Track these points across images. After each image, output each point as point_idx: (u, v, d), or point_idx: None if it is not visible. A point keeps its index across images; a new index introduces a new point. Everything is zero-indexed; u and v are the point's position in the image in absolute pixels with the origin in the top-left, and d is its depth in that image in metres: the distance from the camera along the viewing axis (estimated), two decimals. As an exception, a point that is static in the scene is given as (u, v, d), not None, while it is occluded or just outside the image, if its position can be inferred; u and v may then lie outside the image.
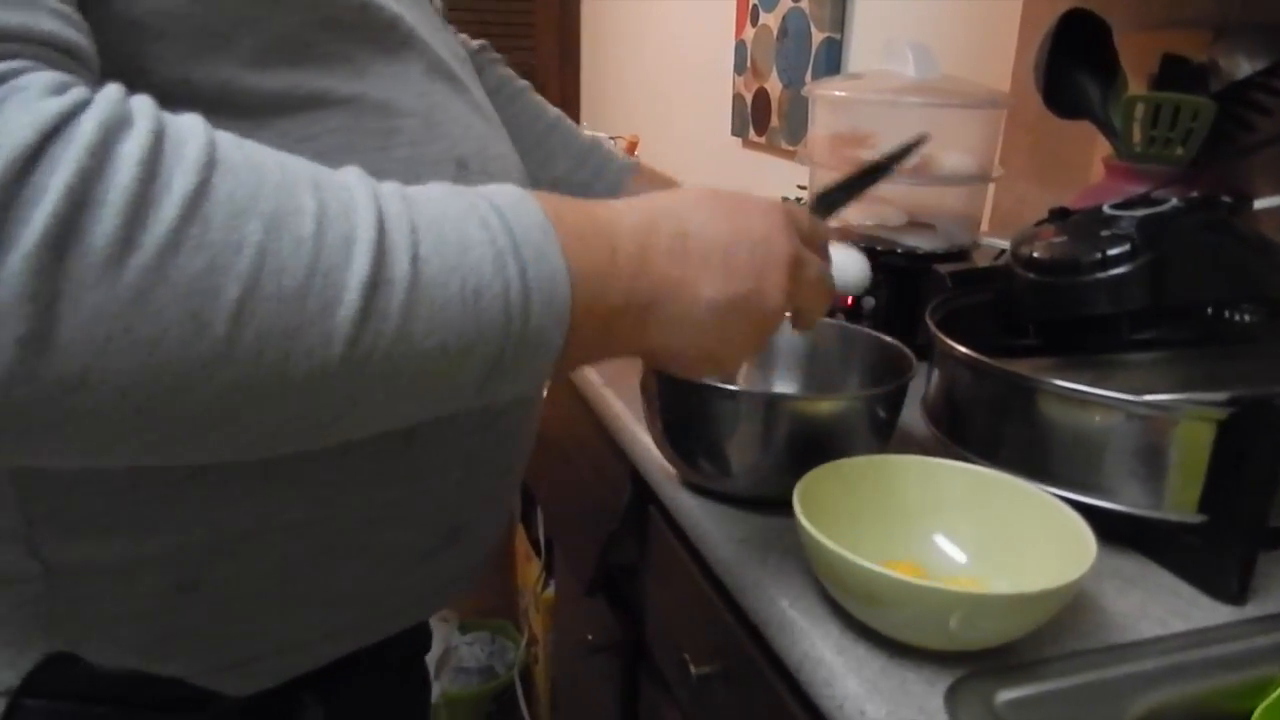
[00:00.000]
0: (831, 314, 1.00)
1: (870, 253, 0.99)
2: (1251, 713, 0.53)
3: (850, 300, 0.98)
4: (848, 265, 0.91)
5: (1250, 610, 0.60)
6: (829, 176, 1.07)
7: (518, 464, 0.62)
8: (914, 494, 0.63)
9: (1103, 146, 0.91)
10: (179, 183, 0.31)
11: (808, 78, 1.69)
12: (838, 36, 1.60)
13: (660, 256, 0.44)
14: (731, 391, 0.67)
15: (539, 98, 0.83)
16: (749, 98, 1.92)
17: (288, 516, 0.49)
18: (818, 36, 1.64)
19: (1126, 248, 0.66)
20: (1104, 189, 0.85)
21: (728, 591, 0.66)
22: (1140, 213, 0.68)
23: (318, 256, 0.33)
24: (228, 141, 0.34)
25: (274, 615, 0.51)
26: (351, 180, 0.37)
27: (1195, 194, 0.73)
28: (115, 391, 0.31)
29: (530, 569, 1.81)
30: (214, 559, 0.48)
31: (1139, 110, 0.82)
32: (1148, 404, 0.61)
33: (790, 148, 1.78)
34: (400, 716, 0.68)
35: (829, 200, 0.60)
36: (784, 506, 0.58)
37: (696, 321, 0.45)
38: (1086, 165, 1.07)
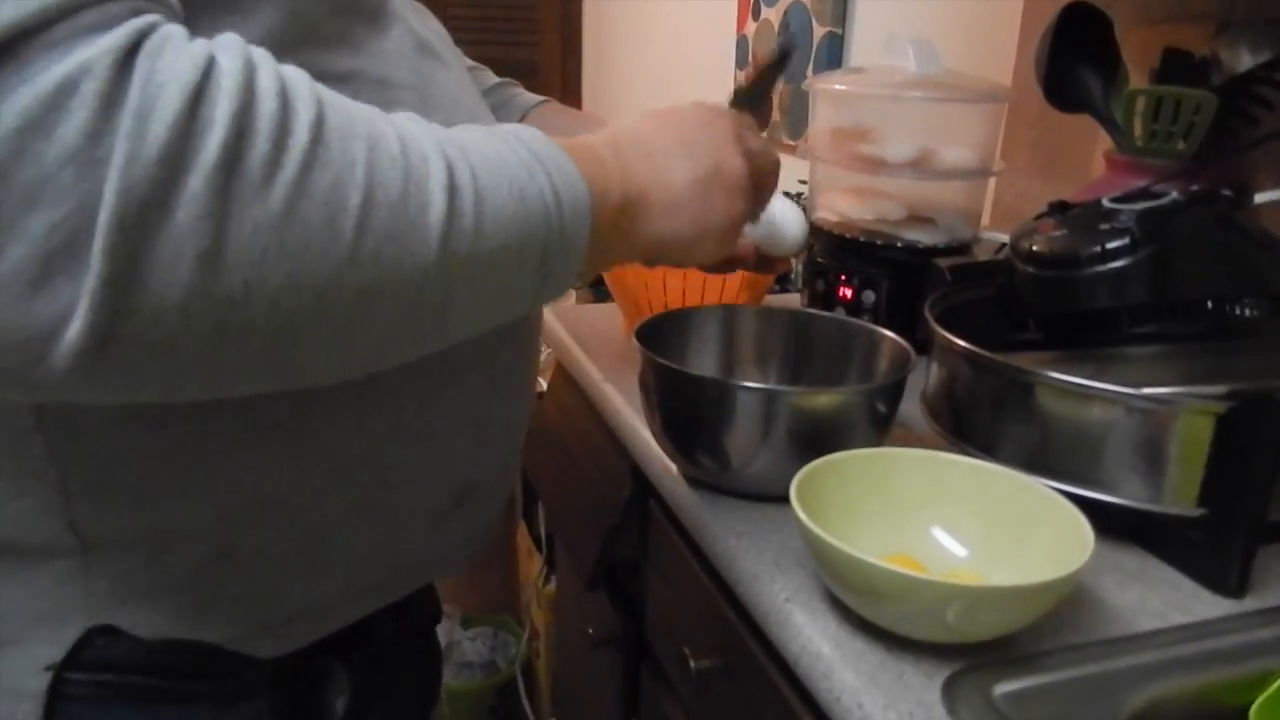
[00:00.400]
0: (831, 308, 1.00)
1: (870, 247, 0.99)
2: (1250, 706, 0.53)
3: (850, 293, 0.98)
4: (787, 219, 0.77)
5: (1249, 604, 0.60)
6: (830, 172, 1.07)
7: (521, 424, 0.64)
8: (913, 487, 0.63)
9: (1105, 141, 0.91)
10: (303, 112, 0.35)
11: (809, 72, 1.68)
12: (839, 31, 1.60)
13: (634, 160, 0.51)
14: (730, 385, 0.67)
15: (486, 74, 0.82)
16: (751, 93, 1.91)
17: (312, 482, 0.51)
18: (819, 31, 1.64)
19: (1126, 241, 0.65)
20: (1105, 183, 0.85)
21: (727, 585, 0.66)
22: (1140, 206, 0.67)
23: (408, 169, 0.38)
24: (317, 83, 0.38)
25: (302, 578, 0.53)
26: (403, 116, 0.42)
27: (1195, 188, 0.73)
28: (269, 304, 0.34)
29: (532, 564, 1.81)
30: (244, 527, 0.50)
31: (1140, 104, 0.82)
32: (1147, 397, 0.61)
33: (791, 142, 1.78)
34: (417, 683, 0.70)
35: (742, 99, 0.67)
36: (783, 500, 0.58)
37: (680, 202, 0.52)
38: (1088, 160, 1.06)
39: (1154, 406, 0.61)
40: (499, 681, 1.86)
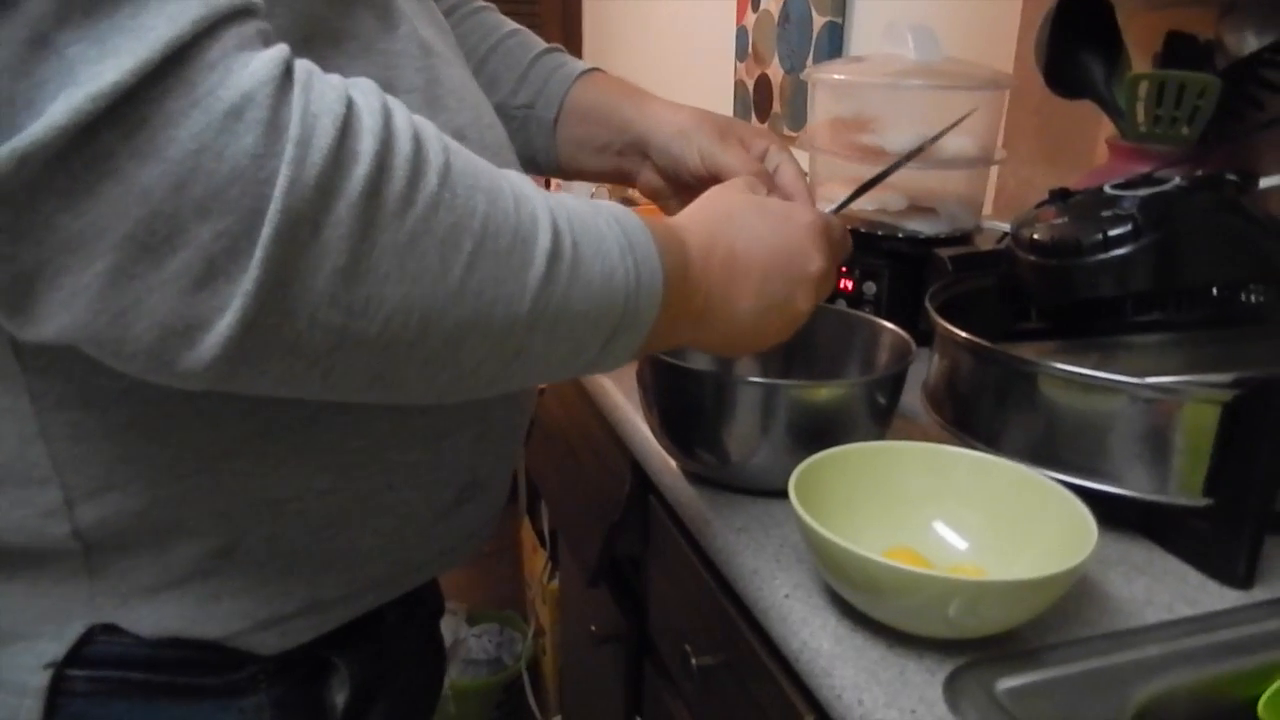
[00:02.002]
0: (832, 300, 0.99)
1: (871, 238, 0.98)
2: (1259, 698, 0.52)
3: (851, 285, 0.97)
4: None
5: (1258, 594, 0.59)
6: (830, 161, 1.06)
7: (523, 421, 0.64)
8: (914, 480, 0.62)
9: (1108, 127, 0.90)
10: (434, 156, 0.39)
11: (809, 63, 1.67)
12: (839, 20, 1.59)
13: (715, 274, 0.53)
14: (728, 380, 0.67)
15: (494, 16, 0.79)
16: (750, 84, 1.90)
17: (317, 483, 0.51)
18: (819, 21, 1.63)
19: (1129, 228, 0.64)
20: (1108, 170, 0.84)
21: (727, 581, 0.65)
22: (1143, 192, 0.66)
23: (518, 228, 0.42)
24: (437, 128, 0.41)
25: (305, 576, 0.53)
26: (516, 175, 0.45)
27: (1199, 173, 0.72)
28: (383, 320, 0.38)
29: (537, 560, 1.81)
30: (248, 527, 0.50)
31: (1143, 89, 0.80)
32: (1152, 386, 0.60)
33: (792, 134, 1.76)
34: (420, 675, 0.69)
35: (846, 204, 0.70)
36: (784, 495, 0.57)
37: (737, 323, 0.55)
38: (1092, 147, 1.05)
39: (1159, 396, 0.60)
40: (505, 678, 1.86)
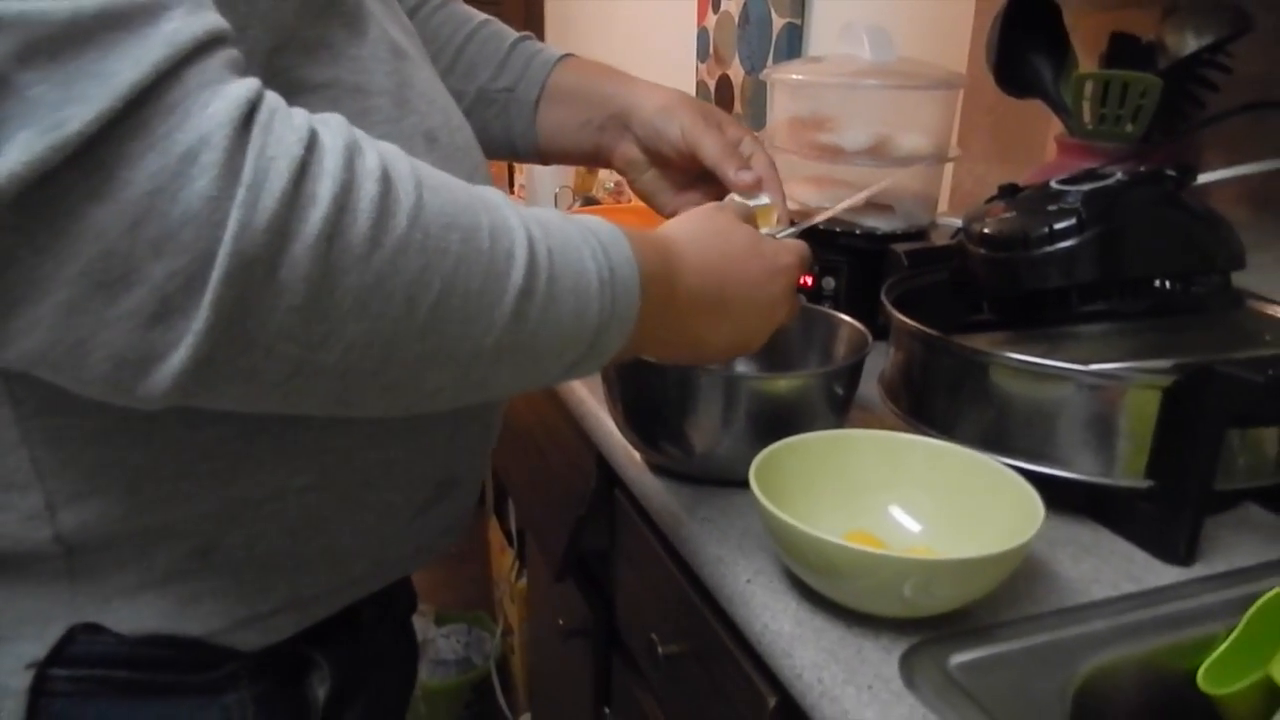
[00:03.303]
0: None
1: (829, 234, 1.00)
2: (1198, 668, 0.55)
3: (810, 281, 0.99)
4: None
5: (1198, 570, 0.61)
6: (789, 160, 1.08)
7: (496, 418, 0.65)
8: (870, 467, 0.64)
9: (1059, 126, 0.92)
10: (404, 196, 0.39)
11: (769, 63, 1.69)
12: (798, 21, 1.61)
13: (698, 309, 0.55)
14: (689, 372, 0.68)
15: (463, 8, 0.81)
16: (712, 85, 1.92)
17: (296, 482, 0.51)
18: (779, 22, 1.65)
19: (1073, 221, 0.67)
20: (1057, 167, 0.86)
21: (691, 570, 0.67)
22: (1086, 187, 0.69)
23: (491, 265, 0.41)
24: (416, 162, 0.41)
25: (286, 573, 0.54)
26: (499, 200, 0.44)
27: (1143, 169, 0.74)
28: (341, 351, 0.38)
29: (504, 560, 1.81)
30: (228, 526, 0.50)
31: (1089, 88, 0.83)
32: (1097, 374, 0.62)
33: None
34: (396, 670, 0.70)
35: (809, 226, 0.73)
36: (746, 485, 0.58)
37: (699, 354, 0.58)
38: (1043, 145, 1.08)
39: (1103, 382, 0.63)
40: (474, 678, 1.86)
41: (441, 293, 0.40)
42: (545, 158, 0.80)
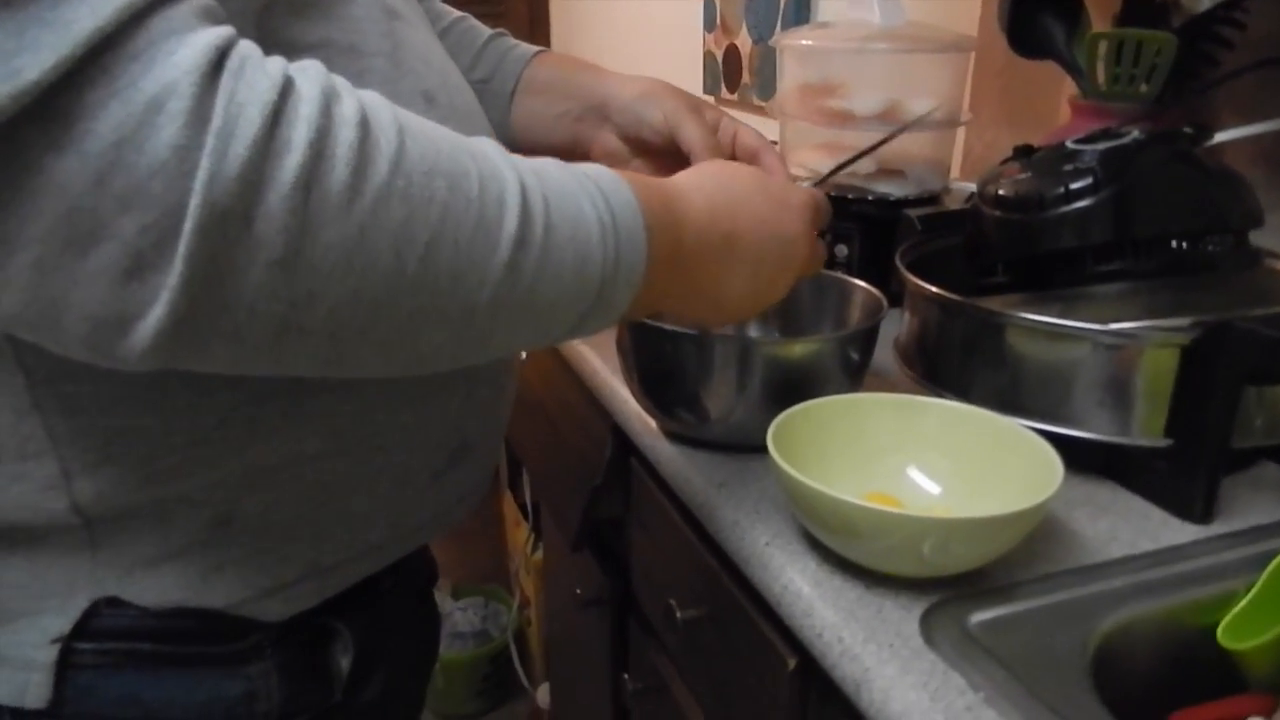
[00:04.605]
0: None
1: (842, 201, 1.00)
2: (1217, 625, 0.55)
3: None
4: None
5: (1216, 529, 0.62)
6: (800, 129, 1.08)
7: (510, 382, 0.65)
8: (887, 430, 0.64)
9: (1070, 88, 0.91)
10: (385, 143, 0.37)
11: (777, 31, 1.68)
12: (806, -12, 1.59)
13: (709, 255, 0.52)
14: (705, 339, 0.68)
15: (438, 4, 0.81)
16: (720, 55, 1.91)
17: (310, 448, 0.51)
18: (786, -11, 1.63)
19: (1089, 181, 0.66)
20: (1070, 129, 0.85)
21: (709, 535, 0.67)
22: (1102, 146, 0.68)
23: (482, 214, 0.40)
24: (400, 109, 0.39)
25: (305, 541, 0.54)
26: (489, 147, 0.42)
27: (1156, 128, 0.74)
28: (326, 310, 0.37)
29: (519, 533, 1.82)
30: (245, 494, 0.51)
31: (1102, 48, 0.82)
32: (1114, 333, 0.62)
33: (762, 103, 1.77)
34: (418, 641, 0.71)
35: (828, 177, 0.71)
36: (762, 450, 0.59)
37: (721, 306, 0.55)
38: (1055, 107, 1.07)
39: (1121, 341, 0.62)
40: (492, 650, 1.88)
41: (430, 244, 0.38)
42: (521, 151, 0.79)
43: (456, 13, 0.80)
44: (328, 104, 0.36)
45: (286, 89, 0.35)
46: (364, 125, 0.36)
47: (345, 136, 0.36)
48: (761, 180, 0.57)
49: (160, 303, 0.34)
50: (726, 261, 0.53)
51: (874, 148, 0.73)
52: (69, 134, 0.31)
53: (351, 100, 0.37)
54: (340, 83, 0.38)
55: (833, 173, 0.73)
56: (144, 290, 0.34)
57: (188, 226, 0.33)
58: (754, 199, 0.55)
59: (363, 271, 0.37)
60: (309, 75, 0.36)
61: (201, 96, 0.33)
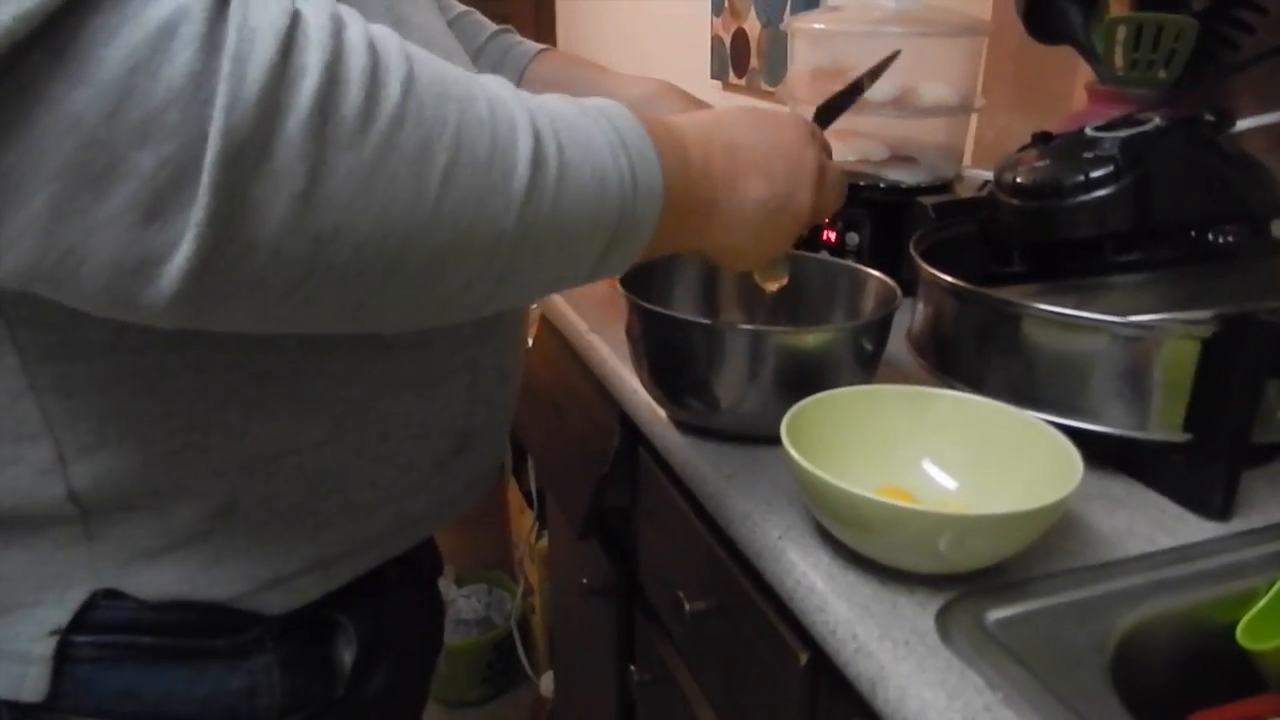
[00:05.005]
0: (815, 250, 0.99)
1: (853, 188, 0.99)
2: (1237, 624, 0.54)
3: (834, 236, 0.98)
4: None
5: (1235, 525, 0.61)
6: (810, 112, 1.06)
7: (515, 370, 0.64)
8: (902, 422, 0.63)
9: (1085, 74, 0.90)
10: (395, 67, 0.36)
11: (786, 14, 1.66)
12: (816, -28, 1.57)
13: (717, 165, 0.52)
14: (716, 327, 0.67)
15: None
16: (728, 39, 1.89)
17: (311, 435, 0.51)
18: (795, -27, 1.61)
19: (1110, 169, 0.65)
20: (1087, 115, 0.84)
21: (719, 526, 0.66)
22: (1123, 133, 0.67)
23: (495, 136, 0.39)
24: (402, 39, 0.39)
25: (307, 531, 0.53)
26: (490, 79, 0.42)
27: (1176, 114, 0.72)
28: (354, 248, 0.36)
29: (524, 521, 1.82)
30: (246, 483, 0.50)
31: (1121, 32, 0.81)
32: (1132, 325, 0.61)
33: (770, 88, 1.76)
34: (422, 633, 0.70)
35: (825, 114, 0.69)
36: (772, 440, 0.58)
37: (745, 220, 0.54)
38: (1069, 94, 1.06)
39: (1140, 333, 0.61)
40: (495, 638, 1.88)
41: (448, 167, 0.37)
42: None
43: (462, 6, 0.79)
44: (337, 29, 0.35)
45: (296, 15, 0.34)
46: (373, 50, 0.36)
47: (357, 61, 0.35)
48: (742, 105, 0.57)
49: (185, 242, 0.33)
50: (737, 170, 0.53)
51: (855, 88, 0.71)
52: (80, 62, 0.30)
53: (358, 26, 0.36)
54: (346, 10, 0.37)
55: (830, 105, 0.70)
56: (166, 231, 0.33)
57: (208, 158, 0.32)
58: (742, 117, 0.56)
59: (385, 200, 0.36)
60: (315, 3, 0.36)
61: (213, 21, 0.32)
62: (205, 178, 0.32)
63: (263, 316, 0.38)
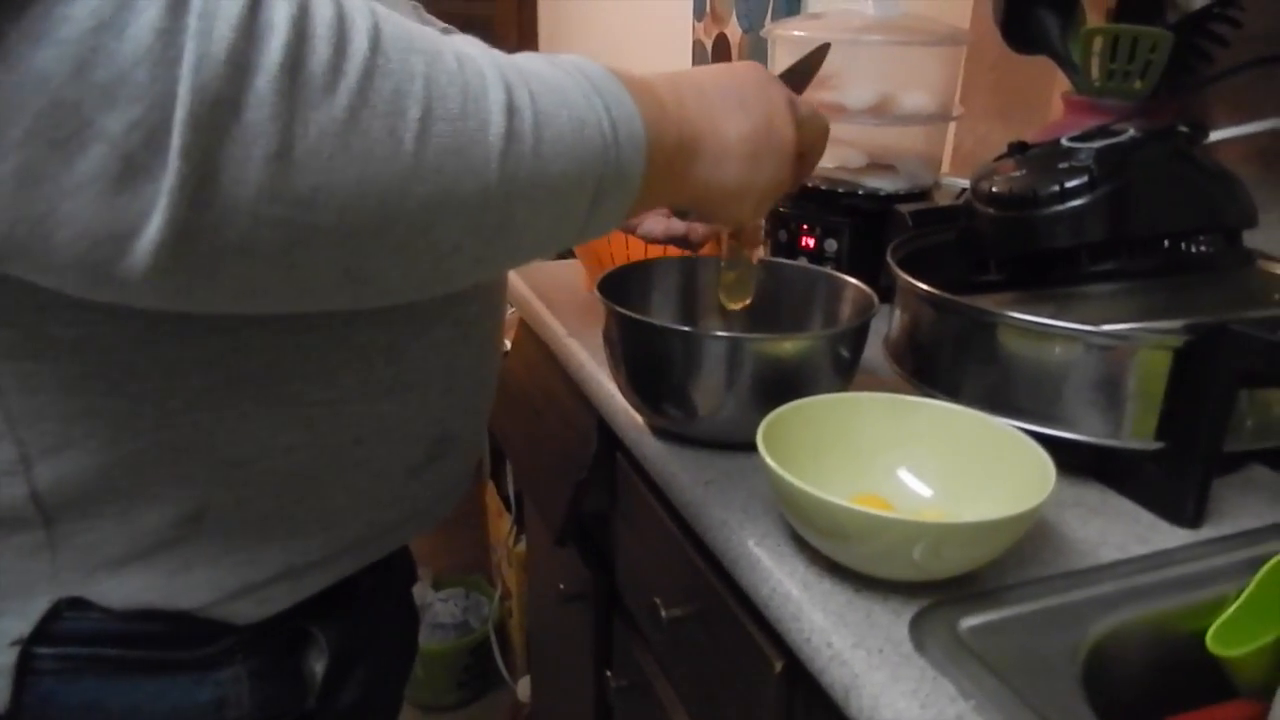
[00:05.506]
0: (794, 256, 1.00)
1: (832, 195, 0.99)
2: (1207, 631, 0.54)
3: (812, 242, 0.98)
4: None
5: (1206, 533, 0.61)
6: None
7: (491, 376, 0.64)
8: (878, 430, 0.63)
9: (1062, 84, 0.91)
10: (360, 21, 0.36)
11: (767, 21, 1.67)
12: (797, -22, 1.58)
13: (690, 104, 0.50)
14: (694, 334, 0.67)
15: (425, 15, 0.80)
16: (709, 44, 1.89)
17: (283, 440, 0.50)
18: (777, -21, 1.62)
19: (1085, 179, 0.65)
20: (1064, 125, 0.85)
21: (695, 534, 0.66)
22: (1098, 144, 0.68)
23: (466, 86, 0.38)
24: None
25: (278, 539, 0.52)
26: (457, 36, 0.41)
27: (1151, 126, 0.73)
28: (336, 210, 0.35)
29: (501, 524, 1.81)
30: (215, 489, 0.49)
31: (1098, 43, 0.82)
32: (1106, 334, 0.61)
33: (752, 94, 1.76)
34: (396, 643, 0.69)
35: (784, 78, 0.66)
36: (750, 448, 0.58)
37: (730, 156, 0.52)
38: (1047, 104, 1.06)
39: (1113, 343, 0.62)
40: (472, 642, 1.87)
41: (422, 120, 0.36)
42: None
43: (444, 25, 0.79)
44: None
45: None
46: (338, 4, 0.35)
47: (324, 15, 0.34)
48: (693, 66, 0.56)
49: (158, 211, 0.32)
50: (711, 105, 0.52)
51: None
52: (44, 20, 0.30)
53: None
54: None
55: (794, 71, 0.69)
56: (138, 200, 0.32)
57: (178, 117, 0.31)
58: (700, 67, 0.55)
59: (362, 157, 0.35)
60: None
61: None
62: (175, 141, 0.31)
63: (252, 289, 0.37)
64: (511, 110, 0.39)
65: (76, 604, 0.48)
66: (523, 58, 0.43)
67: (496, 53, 0.42)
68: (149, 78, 0.31)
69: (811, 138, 0.58)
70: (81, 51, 0.30)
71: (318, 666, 0.57)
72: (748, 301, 0.71)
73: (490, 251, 0.42)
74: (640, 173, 0.45)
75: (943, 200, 0.99)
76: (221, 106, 0.32)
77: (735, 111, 0.52)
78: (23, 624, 0.48)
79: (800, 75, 0.69)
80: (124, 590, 0.49)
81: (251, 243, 0.34)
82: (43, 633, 0.48)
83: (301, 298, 0.39)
